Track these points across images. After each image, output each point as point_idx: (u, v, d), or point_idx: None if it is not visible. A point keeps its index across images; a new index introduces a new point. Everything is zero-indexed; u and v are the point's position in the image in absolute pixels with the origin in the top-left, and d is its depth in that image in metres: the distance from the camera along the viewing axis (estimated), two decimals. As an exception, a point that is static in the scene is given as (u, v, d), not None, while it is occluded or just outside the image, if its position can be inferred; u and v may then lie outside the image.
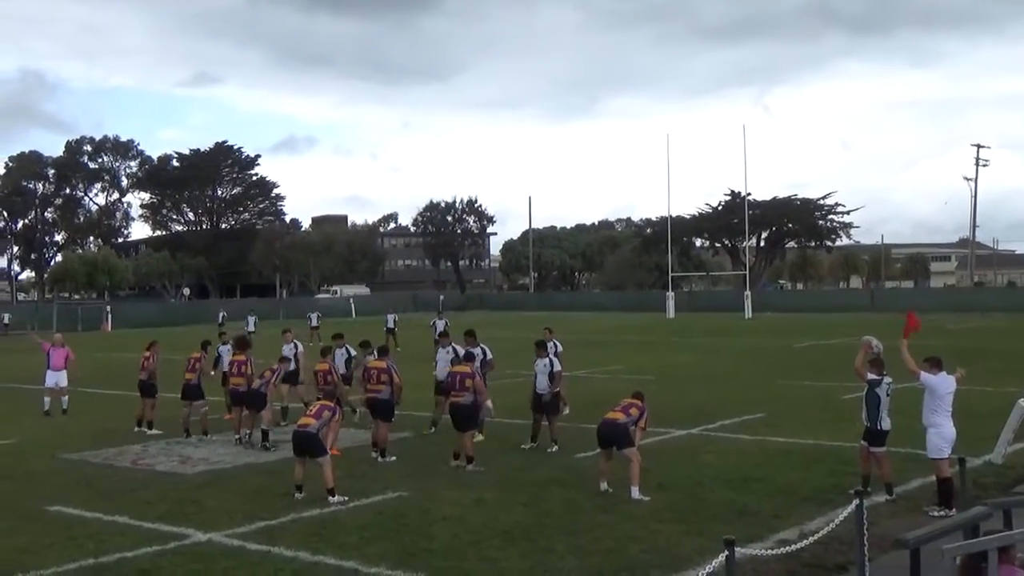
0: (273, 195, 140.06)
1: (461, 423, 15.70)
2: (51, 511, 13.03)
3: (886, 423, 13.14)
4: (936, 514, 11.97)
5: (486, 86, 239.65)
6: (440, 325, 36.95)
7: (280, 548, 10.91)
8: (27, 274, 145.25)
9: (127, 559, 10.64)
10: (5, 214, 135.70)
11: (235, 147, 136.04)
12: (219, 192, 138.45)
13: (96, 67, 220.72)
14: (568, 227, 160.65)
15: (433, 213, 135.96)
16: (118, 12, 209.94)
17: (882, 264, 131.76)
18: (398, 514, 12.46)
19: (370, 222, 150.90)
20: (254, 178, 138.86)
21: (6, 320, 70.20)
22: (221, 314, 64.92)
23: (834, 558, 10.15)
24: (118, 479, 15.25)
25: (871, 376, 13.16)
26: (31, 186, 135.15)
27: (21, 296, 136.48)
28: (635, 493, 13.01)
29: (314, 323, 51.50)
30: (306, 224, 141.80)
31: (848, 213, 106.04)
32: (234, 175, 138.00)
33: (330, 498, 13.17)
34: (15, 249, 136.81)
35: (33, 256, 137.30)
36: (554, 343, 20.94)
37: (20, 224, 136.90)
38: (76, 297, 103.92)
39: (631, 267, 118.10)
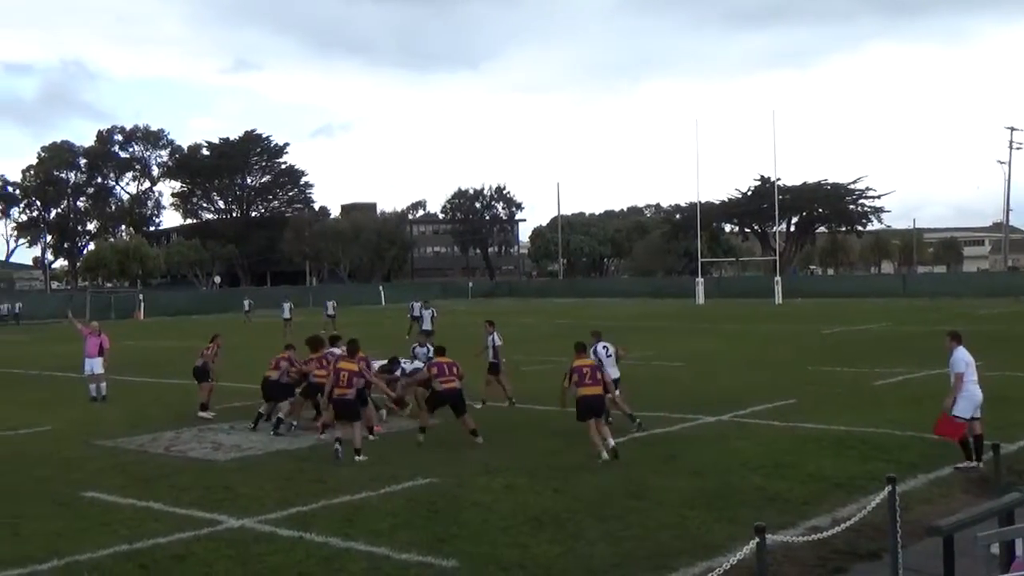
0: (302, 183, 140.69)
1: (461, 406, 16.44)
2: (86, 497, 13.15)
3: (615, 373, 17.06)
4: (961, 465, 13.33)
5: (516, 72, 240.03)
6: (427, 316, 34.90)
7: (312, 534, 10.96)
8: (60, 263, 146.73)
9: (161, 545, 10.72)
10: (38, 203, 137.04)
11: (264, 136, 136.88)
12: (249, 180, 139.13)
13: (135, 56, 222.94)
14: (597, 213, 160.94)
15: (462, 200, 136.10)
16: (158, 1, 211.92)
17: (914, 249, 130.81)
18: (428, 500, 12.48)
19: (399, 209, 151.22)
20: (283, 167, 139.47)
21: (16, 309, 70.35)
22: (247, 302, 64.95)
23: (866, 545, 10.08)
24: (152, 465, 15.36)
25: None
26: (63, 175, 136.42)
27: (54, 284, 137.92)
28: (612, 443, 14.74)
29: (329, 312, 50.88)
30: (335, 212, 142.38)
31: (879, 197, 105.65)
32: (263, 163, 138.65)
33: (356, 457, 14.92)
34: (48, 238, 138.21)
35: (66, 245, 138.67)
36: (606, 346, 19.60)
37: (53, 213, 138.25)
38: (108, 285, 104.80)
39: (660, 253, 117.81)
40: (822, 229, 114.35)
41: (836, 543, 9.75)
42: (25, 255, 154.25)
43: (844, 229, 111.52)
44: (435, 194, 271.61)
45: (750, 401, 20.35)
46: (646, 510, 11.76)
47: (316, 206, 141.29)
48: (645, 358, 30.81)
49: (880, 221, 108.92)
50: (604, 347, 17.60)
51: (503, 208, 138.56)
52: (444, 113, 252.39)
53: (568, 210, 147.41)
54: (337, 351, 18.11)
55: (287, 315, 48.81)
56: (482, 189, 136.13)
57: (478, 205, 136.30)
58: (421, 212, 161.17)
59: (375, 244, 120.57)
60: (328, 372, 16.50)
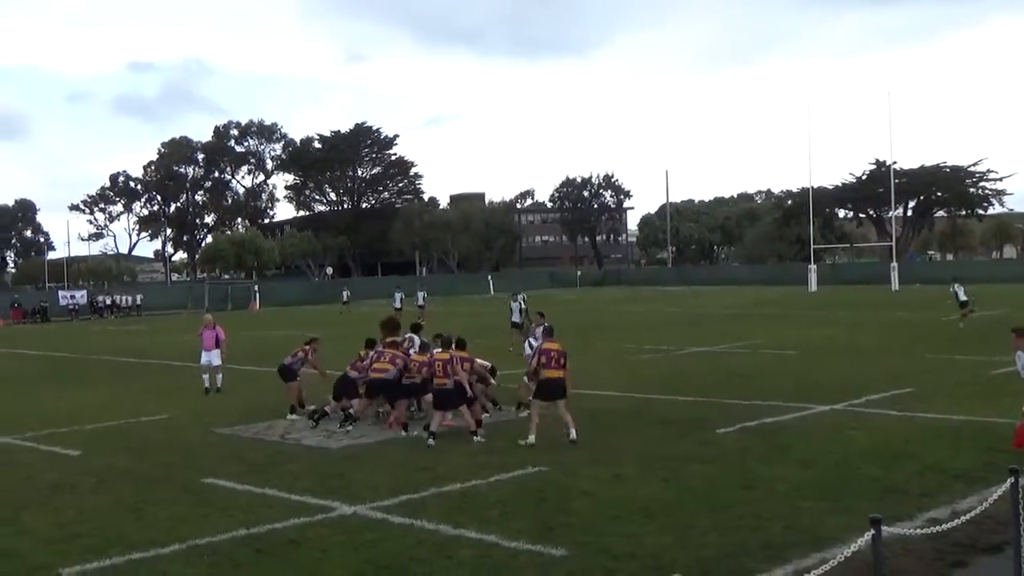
0: (412, 174, 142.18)
1: (456, 402, 16.26)
2: (205, 483, 13.53)
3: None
4: None
5: (623, 59, 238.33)
6: (515, 308, 31.88)
7: (423, 521, 11.09)
8: (180, 255, 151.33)
9: (277, 530, 10.97)
10: (159, 198, 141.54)
11: (374, 128, 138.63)
12: (359, 172, 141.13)
13: (251, 53, 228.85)
14: (706, 200, 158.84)
15: (570, 189, 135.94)
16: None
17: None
18: (537, 489, 12.52)
19: (507, 199, 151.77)
20: (392, 158, 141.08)
21: (138, 301, 73.26)
22: (345, 292, 66.05)
23: (988, 538, 9.77)
24: (267, 453, 15.73)
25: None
26: (182, 170, 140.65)
27: (174, 276, 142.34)
28: (574, 434, 15.15)
29: (420, 302, 51.57)
30: (444, 202, 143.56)
31: (1001, 180, 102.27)
32: (374, 155, 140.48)
33: (475, 438, 15.74)
34: (168, 231, 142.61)
35: (185, 238, 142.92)
36: None
37: (172, 207, 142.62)
38: (226, 277, 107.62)
39: (771, 240, 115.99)
40: (941, 213, 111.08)
41: (956, 536, 9.46)
42: (146, 248, 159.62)
43: (964, 213, 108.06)
44: (543, 183, 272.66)
45: (865, 390, 19.92)
46: (757, 501, 11.59)
47: (425, 197, 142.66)
48: (756, 346, 30.41)
49: (1002, 204, 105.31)
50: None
51: (611, 196, 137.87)
52: (552, 101, 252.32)
53: (677, 197, 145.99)
54: (418, 339, 18.36)
55: (398, 305, 49.68)
56: (590, 177, 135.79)
57: (586, 193, 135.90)
58: (529, 201, 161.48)
59: (483, 234, 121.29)
60: (383, 363, 17.24)
